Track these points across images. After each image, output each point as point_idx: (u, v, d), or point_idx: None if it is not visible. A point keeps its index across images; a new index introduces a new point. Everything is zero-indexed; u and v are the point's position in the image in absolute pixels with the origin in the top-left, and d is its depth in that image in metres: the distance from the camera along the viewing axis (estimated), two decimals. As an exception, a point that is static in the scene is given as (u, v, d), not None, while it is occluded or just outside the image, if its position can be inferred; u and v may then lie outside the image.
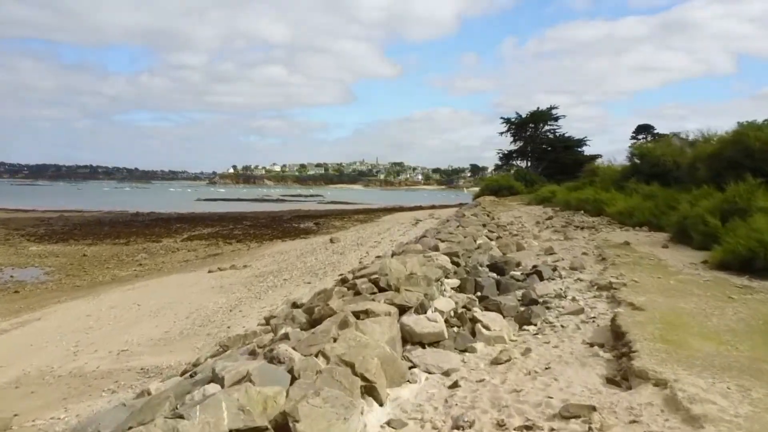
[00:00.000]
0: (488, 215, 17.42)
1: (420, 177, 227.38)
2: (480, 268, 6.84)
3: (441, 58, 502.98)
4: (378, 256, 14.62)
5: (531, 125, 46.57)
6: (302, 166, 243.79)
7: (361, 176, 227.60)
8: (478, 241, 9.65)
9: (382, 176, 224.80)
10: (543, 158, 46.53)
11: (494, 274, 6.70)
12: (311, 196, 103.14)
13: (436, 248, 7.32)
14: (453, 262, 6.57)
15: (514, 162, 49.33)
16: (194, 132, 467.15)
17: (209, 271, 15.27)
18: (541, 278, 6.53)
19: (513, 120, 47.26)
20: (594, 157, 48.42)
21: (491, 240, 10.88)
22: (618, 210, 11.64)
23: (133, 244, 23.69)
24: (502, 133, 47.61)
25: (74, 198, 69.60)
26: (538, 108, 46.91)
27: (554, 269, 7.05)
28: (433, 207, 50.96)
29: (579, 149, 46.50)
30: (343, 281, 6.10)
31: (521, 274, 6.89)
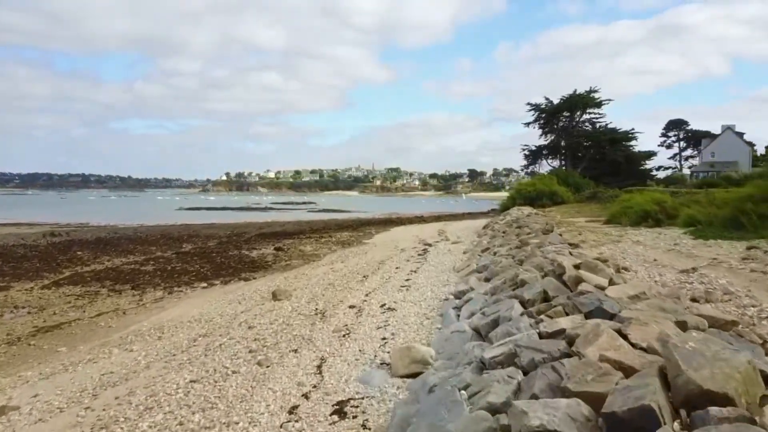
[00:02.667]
0: (582, 254, 7.95)
1: (417, 182, 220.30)
2: None
3: (436, 63, 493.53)
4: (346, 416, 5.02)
5: (566, 113, 36.52)
6: (297, 172, 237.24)
7: (357, 182, 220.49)
8: None
9: (378, 182, 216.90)
10: (582, 155, 36.24)
11: None
12: (304, 203, 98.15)
13: None
14: None
15: (543, 160, 39.05)
16: (190, 139, 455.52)
17: None
18: None
19: (543, 107, 36.92)
20: (648, 154, 38.88)
21: None
22: None
23: (-49, 297, 14.06)
24: (528, 124, 37.24)
25: (42, 208, 65.22)
26: (575, 90, 36.60)
27: None
28: (438, 218, 41.27)
29: (628, 144, 36.40)
30: None
31: None
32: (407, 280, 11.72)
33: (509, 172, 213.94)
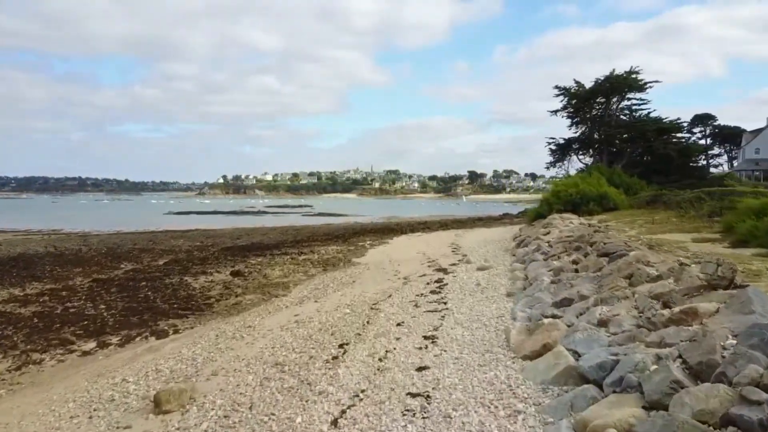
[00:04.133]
0: None
1: (416, 185, 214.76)
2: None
3: (434, 66, 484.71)
4: None
5: (601, 99, 30.48)
6: (294, 175, 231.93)
7: (356, 185, 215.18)
8: None
9: (377, 185, 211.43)
10: (621, 149, 30.15)
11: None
12: (299, 206, 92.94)
13: None
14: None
15: (573, 156, 32.80)
16: (188, 142, 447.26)
17: None
18: None
19: (574, 90, 30.87)
20: (702, 148, 33.41)
21: None
22: None
23: None
24: (555, 112, 31.30)
25: (26, 213, 65.75)
26: (613, 71, 30.26)
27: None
28: (444, 225, 35.43)
29: (678, 136, 30.51)
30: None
31: None
32: (420, 369, 5.96)
33: (509, 174, 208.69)
